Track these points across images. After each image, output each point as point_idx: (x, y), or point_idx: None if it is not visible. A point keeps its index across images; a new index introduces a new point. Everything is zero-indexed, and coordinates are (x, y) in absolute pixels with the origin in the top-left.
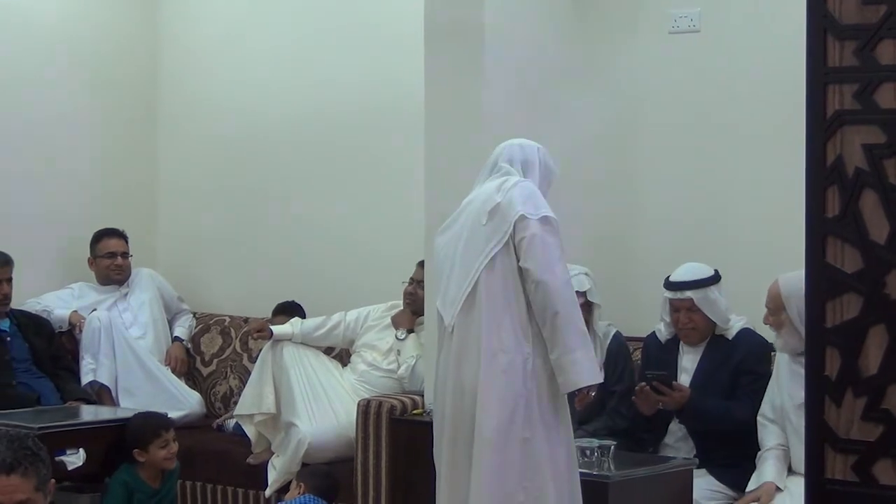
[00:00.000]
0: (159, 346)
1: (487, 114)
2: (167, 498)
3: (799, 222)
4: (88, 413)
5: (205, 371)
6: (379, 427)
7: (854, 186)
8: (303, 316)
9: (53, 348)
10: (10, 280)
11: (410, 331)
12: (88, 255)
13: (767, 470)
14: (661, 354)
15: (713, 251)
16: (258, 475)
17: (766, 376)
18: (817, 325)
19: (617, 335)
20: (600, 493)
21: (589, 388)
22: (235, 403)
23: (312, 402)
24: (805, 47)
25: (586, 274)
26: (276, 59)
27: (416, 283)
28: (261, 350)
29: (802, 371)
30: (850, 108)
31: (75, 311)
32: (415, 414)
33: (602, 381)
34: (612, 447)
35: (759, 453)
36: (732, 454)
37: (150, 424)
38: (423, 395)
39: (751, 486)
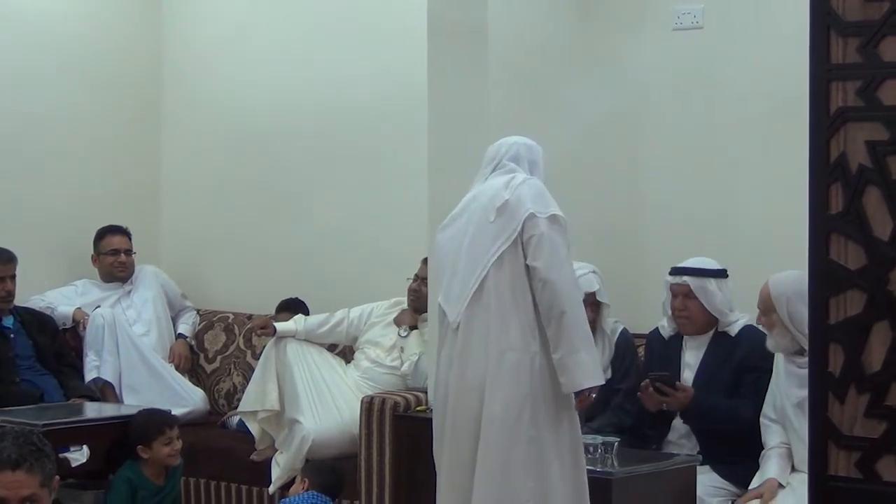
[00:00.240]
0: (163, 343)
1: (491, 110)
2: (171, 495)
3: (802, 219)
4: (92, 410)
5: (208, 368)
6: (382, 424)
7: (857, 183)
8: (306, 313)
9: (57, 345)
10: (13, 277)
11: (414, 327)
12: (92, 252)
13: (770, 467)
14: (664, 350)
15: (717, 248)
16: (262, 472)
17: (769, 373)
18: (821, 321)
19: (623, 332)
20: (604, 490)
21: (590, 389)
22: (239, 400)
23: (316, 398)
24: (808, 44)
25: (594, 272)
26: (279, 56)
27: (421, 279)
28: (264, 347)
29: (797, 370)
30: (853, 105)
31: (79, 308)
32: (418, 410)
33: (604, 382)
34: (616, 444)
35: (763, 452)
36: (736, 451)
37: (154, 421)
38: (426, 392)
39: (754, 483)
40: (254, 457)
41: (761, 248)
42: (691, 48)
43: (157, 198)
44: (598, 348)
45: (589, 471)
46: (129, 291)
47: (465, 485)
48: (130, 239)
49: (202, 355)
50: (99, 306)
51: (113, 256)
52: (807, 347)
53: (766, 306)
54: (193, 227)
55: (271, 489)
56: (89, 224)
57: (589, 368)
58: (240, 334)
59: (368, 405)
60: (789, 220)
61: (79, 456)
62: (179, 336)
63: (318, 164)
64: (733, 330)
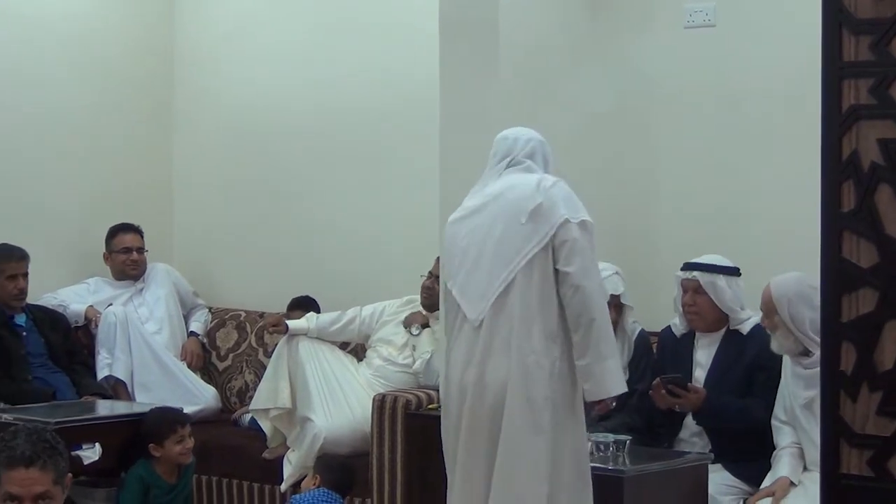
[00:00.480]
0: (175, 341)
1: (502, 108)
2: (183, 493)
3: (814, 218)
4: (104, 408)
5: (220, 366)
6: (394, 422)
7: (870, 181)
8: (317, 311)
9: (69, 343)
10: (26, 275)
11: (425, 325)
12: (104, 250)
13: (782, 466)
14: (675, 348)
15: (730, 246)
16: (274, 470)
17: (781, 372)
18: (833, 320)
19: (642, 332)
20: (615, 488)
21: (613, 397)
22: (251, 398)
23: (328, 396)
24: (820, 42)
25: (618, 273)
26: (290, 56)
27: (434, 277)
28: (276, 345)
29: (803, 372)
30: (865, 103)
31: (91, 306)
32: (430, 408)
33: (627, 389)
34: (627, 442)
35: (775, 453)
36: (748, 450)
37: (166, 420)
38: (438, 390)
39: (766, 483)
40: (266, 455)
41: (774, 247)
42: (703, 46)
43: (168, 196)
44: (619, 350)
45: (601, 469)
46: (142, 289)
47: (480, 484)
48: (142, 237)
49: (214, 353)
50: (111, 304)
51: (125, 254)
52: (810, 348)
53: (768, 308)
54: (205, 226)
55: (283, 487)
56: (101, 222)
57: (616, 376)
58: (252, 332)
59: (380, 403)
60: (802, 218)
61: (91, 454)
62: (191, 334)
63: (328, 162)
64: (745, 328)
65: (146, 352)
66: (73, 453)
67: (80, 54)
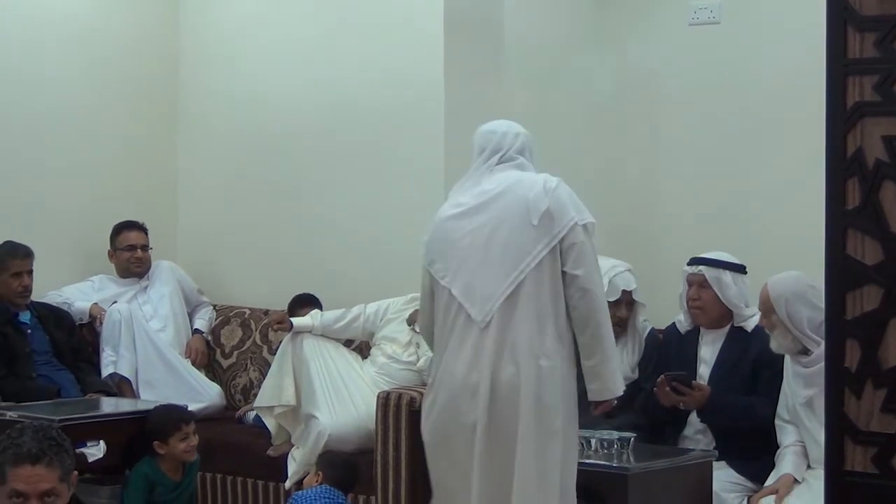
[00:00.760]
0: (179, 339)
1: (507, 106)
2: (188, 490)
3: (819, 215)
4: (109, 405)
5: (225, 363)
6: (399, 419)
7: (874, 178)
8: (320, 308)
9: (74, 340)
10: (30, 272)
11: None
12: (109, 247)
13: (786, 464)
14: (680, 345)
15: (733, 244)
16: (278, 467)
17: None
18: (837, 317)
19: (651, 331)
20: (620, 485)
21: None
22: (255, 395)
23: (332, 394)
24: (825, 39)
25: (629, 271)
26: (296, 54)
27: None
28: (281, 342)
29: (802, 370)
30: (870, 100)
31: (96, 304)
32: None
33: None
34: (632, 439)
35: (778, 451)
36: (752, 447)
37: (171, 417)
38: None
39: (770, 481)
40: (270, 452)
41: (778, 244)
42: (708, 43)
43: (173, 194)
44: (630, 348)
45: (605, 466)
46: (146, 287)
47: (501, 489)
48: (147, 234)
49: (218, 350)
50: (116, 302)
51: (129, 252)
52: (809, 347)
53: (766, 308)
54: (210, 223)
55: (287, 484)
56: (106, 220)
57: (619, 377)
58: (256, 329)
59: (385, 401)
60: (806, 215)
61: (95, 451)
62: (196, 331)
63: (332, 160)
64: (749, 325)
65: (151, 349)
66: (77, 451)
67: (84, 54)
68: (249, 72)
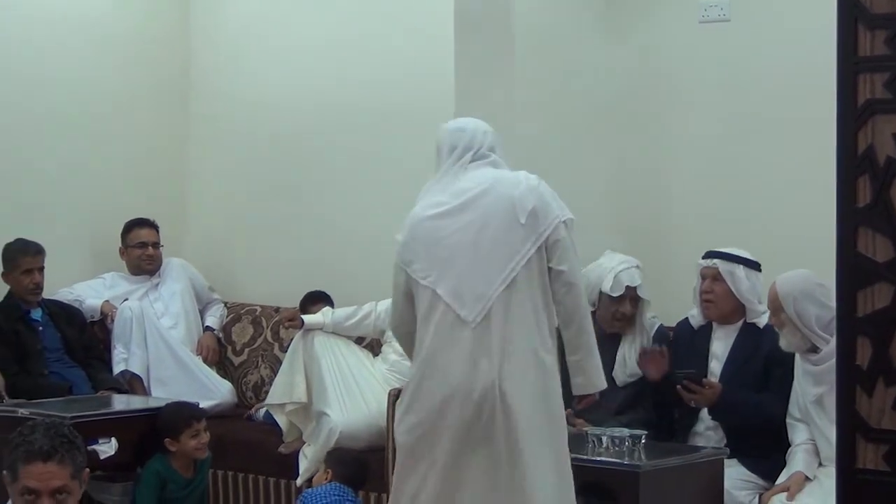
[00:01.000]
0: (191, 336)
1: (518, 105)
2: (199, 487)
3: (830, 213)
4: (120, 402)
5: (236, 360)
6: None
7: (885, 176)
8: (331, 305)
9: (85, 338)
10: (41, 269)
11: None
12: (120, 245)
13: (797, 462)
14: (691, 340)
15: (743, 243)
16: (289, 464)
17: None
18: (848, 315)
19: (660, 328)
20: (631, 483)
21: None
22: (267, 393)
23: (343, 391)
24: (835, 37)
25: (637, 267)
26: (307, 52)
27: None
28: (292, 339)
29: (812, 368)
30: (880, 98)
31: (107, 301)
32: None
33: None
34: (643, 437)
35: (790, 449)
36: (764, 444)
37: (182, 414)
38: None
39: (781, 479)
40: (281, 449)
41: (788, 242)
42: (718, 41)
43: (184, 191)
44: (637, 345)
45: (617, 464)
46: (157, 284)
47: (509, 483)
48: (158, 232)
49: (230, 348)
50: (127, 299)
51: (140, 249)
52: (817, 344)
53: (775, 306)
54: (221, 221)
55: (299, 481)
56: (117, 218)
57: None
58: (267, 327)
59: (396, 398)
60: (817, 213)
61: (107, 448)
62: (207, 329)
63: (343, 158)
64: (762, 322)
65: (162, 347)
66: (89, 448)
67: (95, 55)
68: (259, 71)
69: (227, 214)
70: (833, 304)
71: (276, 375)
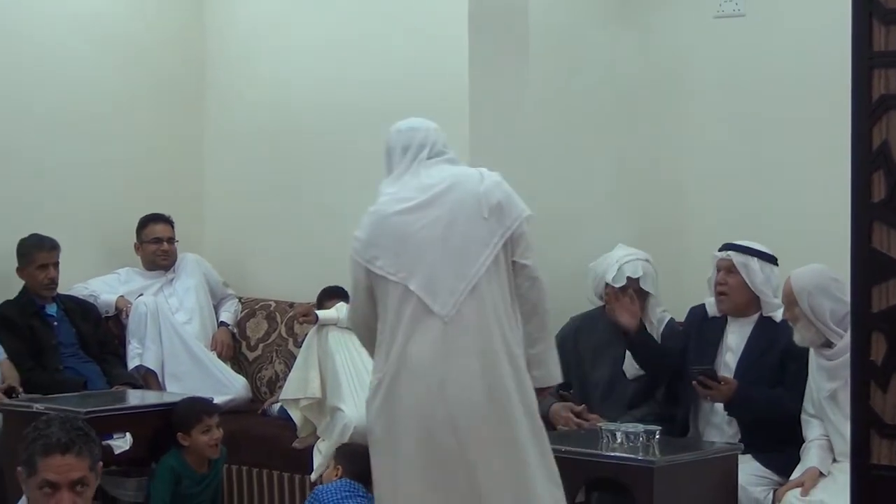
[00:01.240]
0: (205, 331)
1: (533, 100)
2: (214, 483)
3: (844, 208)
4: (135, 397)
5: (250, 356)
6: None
7: None
8: (346, 301)
9: (100, 333)
10: (56, 265)
11: None
12: (135, 240)
13: (811, 457)
14: (704, 328)
15: (757, 236)
16: (303, 459)
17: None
18: (863, 310)
19: (670, 322)
20: (646, 478)
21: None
22: (281, 388)
23: (358, 386)
24: (850, 32)
25: (647, 261)
26: (321, 48)
27: None
28: (306, 335)
29: (826, 363)
30: (895, 93)
31: (122, 297)
32: None
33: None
34: (657, 432)
35: (804, 445)
36: (778, 439)
37: (194, 409)
38: None
39: (795, 474)
40: (296, 444)
41: (802, 237)
42: (733, 36)
43: (199, 186)
44: None
45: (631, 459)
46: (172, 280)
47: (508, 484)
48: (173, 227)
49: (244, 343)
50: (142, 294)
51: (155, 245)
52: (831, 339)
53: (789, 300)
54: (235, 216)
55: (313, 476)
56: (132, 213)
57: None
58: (282, 322)
59: None
60: (831, 209)
61: (122, 443)
62: (221, 324)
63: (357, 154)
64: (778, 316)
65: (177, 342)
66: (104, 443)
67: (111, 52)
68: (273, 69)
69: (241, 210)
70: (847, 298)
71: (290, 371)
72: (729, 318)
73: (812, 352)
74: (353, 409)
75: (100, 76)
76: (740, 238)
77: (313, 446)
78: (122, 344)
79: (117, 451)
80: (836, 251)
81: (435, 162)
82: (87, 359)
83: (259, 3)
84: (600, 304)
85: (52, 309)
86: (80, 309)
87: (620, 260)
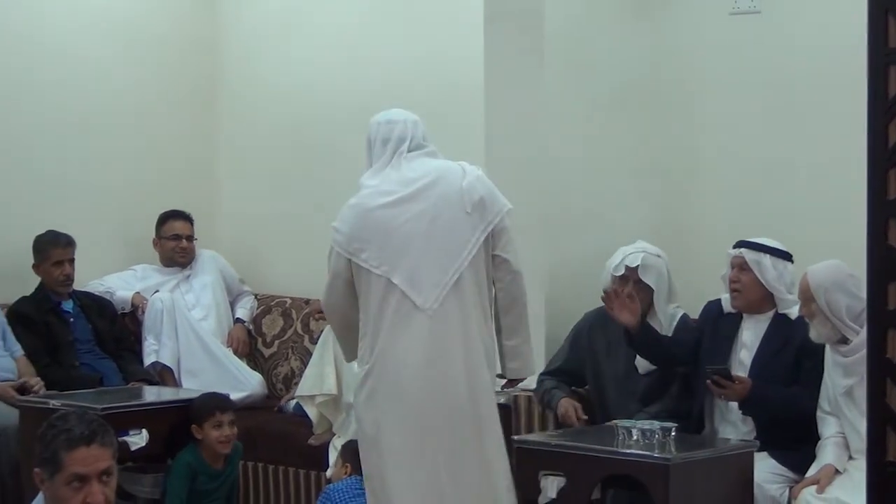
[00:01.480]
0: (221, 328)
1: (548, 97)
2: (230, 479)
3: (860, 205)
4: (151, 394)
5: (266, 352)
6: None
7: None
8: None
9: (116, 329)
10: (72, 261)
11: None
12: (153, 235)
13: (827, 454)
14: (718, 324)
15: (772, 233)
16: (319, 456)
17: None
18: (879, 308)
19: (683, 318)
20: (661, 475)
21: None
22: (297, 385)
23: None
24: (866, 29)
25: (657, 255)
26: (336, 41)
27: None
28: (322, 331)
29: (842, 360)
30: None
31: (138, 293)
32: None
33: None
34: (673, 429)
35: (819, 442)
36: (794, 437)
37: (208, 403)
38: None
39: (811, 471)
40: (311, 441)
41: (817, 234)
42: (748, 33)
43: (215, 182)
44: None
45: (647, 456)
46: (188, 276)
47: (464, 470)
48: (192, 225)
49: (260, 340)
50: (158, 291)
51: (174, 241)
52: (847, 335)
53: (806, 296)
54: (251, 212)
55: (328, 473)
56: (148, 210)
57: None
58: (297, 319)
59: None
60: (846, 206)
61: (138, 440)
62: (237, 321)
63: None
64: (793, 313)
65: (193, 338)
66: (120, 439)
67: (128, 45)
68: (290, 61)
69: (257, 207)
70: (864, 294)
71: (306, 367)
72: (744, 315)
73: (828, 348)
74: None
75: (116, 73)
76: (756, 235)
77: (329, 443)
78: (138, 340)
79: (133, 448)
80: (852, 248)
81: (416, 155)
82: (103, 355)
83: (272, 1)
84: None
85: (68, 305)
86: (96, 305)
87: (626, 251)
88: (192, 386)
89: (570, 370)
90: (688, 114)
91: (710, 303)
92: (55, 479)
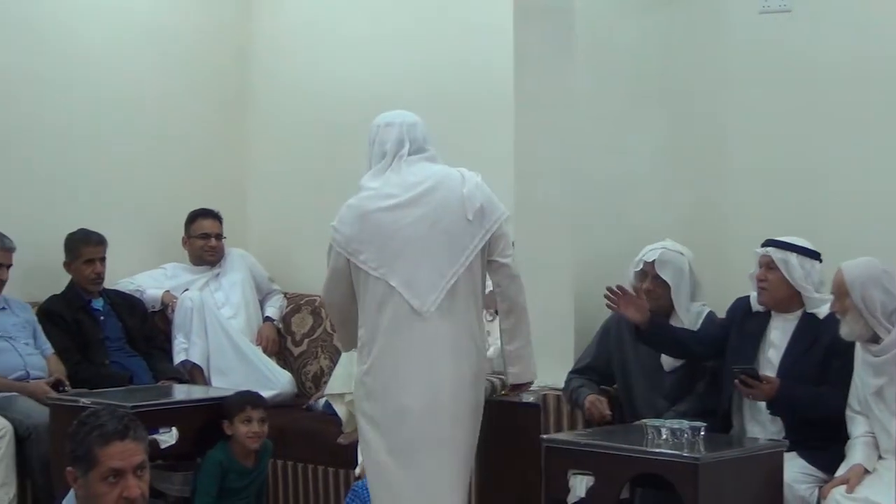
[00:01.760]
0: (251, 326)
1: (578, 94)
2: (260, 477)
3: (892, 203)
4: (181, 392)
5: (296, 351)
6: None
7: None
8: None
9: (146, 328)
10: (103, 260)
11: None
12: (183, 234)
13: (856, 454)
14: (746, 322)
15: (803, 230)
16: (348, 455)
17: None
18: None
19: (710, 315)
20: (690, 474)
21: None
22: (326, 383)
23: None
24: None
25: (679, 253)
26: (365, 42)
27: None
28: None
29: (872, 359)
30: None
31: (167, 291)
32: (504, 394)
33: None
34: (703, 428)
35: (849, 442)
36: (823, 437)
37: (241, 399)
38: None
39: (840, 471)
40: (340, 440)
41: (852, 232)
42: (779, 32)
43: (245, 181)
44: None
45: (676, 455)
46: (218, 275)
47: (460, 469)
48: (221, 223)
49: (289, 338)
50: (187, 289)
51: (203, 240)
52: (879, 333)
53: (840, 291)
54: (281, 211)
55: (357, 471)
56: (178, 209)
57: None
58: (327, 317)
59: None
60: (879, 204)
61: (168, 438)
62: (267, 319)
63: None
64: (822, 313)
65: (222, 337)
66: (150, 437)
67: (159, 46)
68: (318, 63)
69: (287, 205)
70: None
71: (335, 366)
72: (772, 314)
73: (858, 347)
74: None
75: (145, 72)
76: (786, 232)
77: (358, 441)
78: (168, 339)
79: (163, 446)
80: (886, 245)
81: (416, 159)
82: (133, 353)
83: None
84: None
85: (98, 303)
86: (126, 304)
87: (648, 248)
88: (221, 384)
89: (598, 367)
90: (718, 112)
91: (738, 299)
92: (90, 476)
